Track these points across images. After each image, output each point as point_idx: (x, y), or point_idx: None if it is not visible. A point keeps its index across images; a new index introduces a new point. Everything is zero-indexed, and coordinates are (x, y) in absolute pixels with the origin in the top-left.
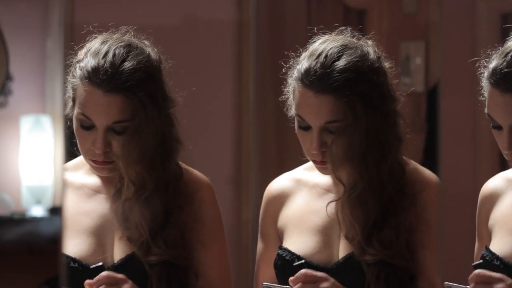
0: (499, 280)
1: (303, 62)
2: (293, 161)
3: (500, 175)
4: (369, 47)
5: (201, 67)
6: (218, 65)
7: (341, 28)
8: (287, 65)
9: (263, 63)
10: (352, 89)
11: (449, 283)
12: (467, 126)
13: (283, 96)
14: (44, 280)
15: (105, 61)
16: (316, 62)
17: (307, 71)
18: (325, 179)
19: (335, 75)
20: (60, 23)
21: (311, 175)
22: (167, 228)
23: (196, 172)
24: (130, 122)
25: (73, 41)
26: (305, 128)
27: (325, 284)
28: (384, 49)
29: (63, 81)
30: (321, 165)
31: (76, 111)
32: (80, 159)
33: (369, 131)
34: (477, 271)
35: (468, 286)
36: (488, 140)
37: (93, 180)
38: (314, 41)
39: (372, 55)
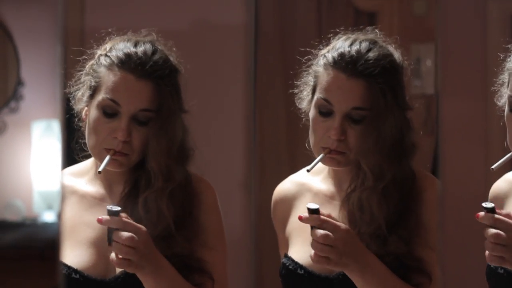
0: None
1: (336, 48)
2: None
3: (504, 178)
4: (392, 48)
5: (211, 72)
6: (228, 70)
7: (363, 27)
8: (304, 58)
9: (273, 67)
10: (386, 78)
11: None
12: (478, 128)
13: (294, 89)
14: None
15: (136, 50)
16: (351, 48)
17: (342, 55)
18: (328, 187)
19: (370, 61)
20: (61, 26)
21: (314, 180)
22: (179, 233)
23: (198, 175)
24: (156, 113)
25: (82, 46)
26: (327, 114)
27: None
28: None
29: (62, 85)
30: (333, 155)
31: (101, 97)
32: (83, 165)
33: (397, 125)
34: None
35: None
36: (500, 141)
37: (96, 189)
38: (338, 38)
39: (397, 55)
